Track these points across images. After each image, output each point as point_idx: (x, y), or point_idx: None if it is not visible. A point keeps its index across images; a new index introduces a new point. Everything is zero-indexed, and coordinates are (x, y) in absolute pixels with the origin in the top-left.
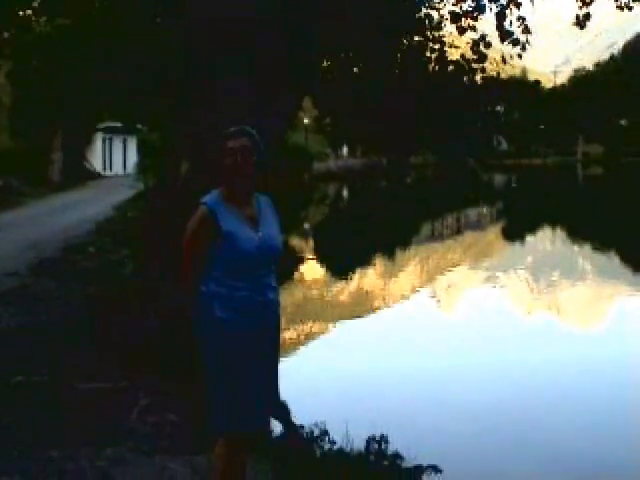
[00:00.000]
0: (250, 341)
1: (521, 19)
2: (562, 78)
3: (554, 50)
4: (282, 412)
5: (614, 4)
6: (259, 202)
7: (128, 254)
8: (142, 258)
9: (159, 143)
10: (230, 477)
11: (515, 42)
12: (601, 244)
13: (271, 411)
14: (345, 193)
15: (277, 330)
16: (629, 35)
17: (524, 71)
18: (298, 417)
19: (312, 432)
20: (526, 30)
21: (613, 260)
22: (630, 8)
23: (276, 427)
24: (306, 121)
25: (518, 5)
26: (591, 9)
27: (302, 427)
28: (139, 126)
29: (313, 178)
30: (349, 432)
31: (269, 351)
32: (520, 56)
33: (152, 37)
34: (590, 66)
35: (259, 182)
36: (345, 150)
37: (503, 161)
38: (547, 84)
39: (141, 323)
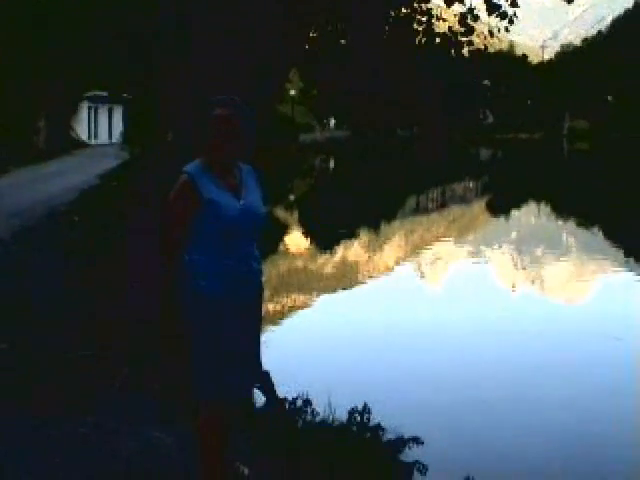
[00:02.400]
0: (233, 310)
1: None
2: (550, 53)
3: (542, 25)
4: (265, 382)
5: None
6: (241, 172)
7: (111, 223)
8: (125, 229)
9: (145, 112)
10: (214, 446)
11: (502, 15)
12: (585, 219)
13: (254, 380)
14: (331, 165)
15: (259, 299)
16: (618, 10)
17: (512, 45)
18: (281, 388)
19: (295, 403)
20: (513, 3)
21: (597, 235)
22: None
23: (259, 397)
24: (292, 92)
25: None
26: None
27: (285, 398)
28: (125, 95)
29: (299, 149)
30: (332, 403)
31: (252, 320)
32: (507, 29)
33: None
34: (578, 41)
35: (245, 152)
36: (332, 122)
37: (489, 135)
38: (535, 59)
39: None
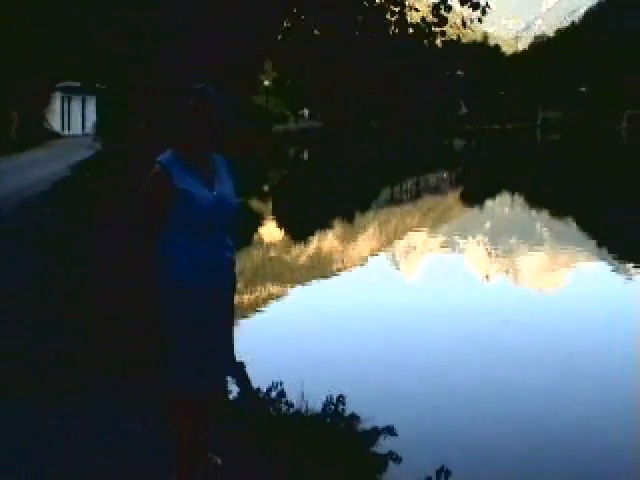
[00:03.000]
0: (207, 300)
1: None
2: (524, 44)
3: (516, 16)
4: (239, 373)
5: None
6: (215, 162)
7: (83, 215)
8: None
9: (118, 102)
10: (189, 437)
11: (475, 6)
12: (558, 210)
13: (227, 369)
14: (305, 155)
15: (233, 289)
16: (591, 2)
17: (485, 36)
18: (256, 378)
19: (270, 393)
20: None
21: (570, 225)
22: None
23: (234, 388)
24: (266, 83)
25: None
26: None
27: (260, 388)
28: (98, 85)
29: (273, 140)
30: (308, 393)
31: (225, 310)
32: (480, 20)
33: None
34: (551, 33)
35: (219, 142)
36: (306, 112)
37: (462, 126)
38: (509, 50)
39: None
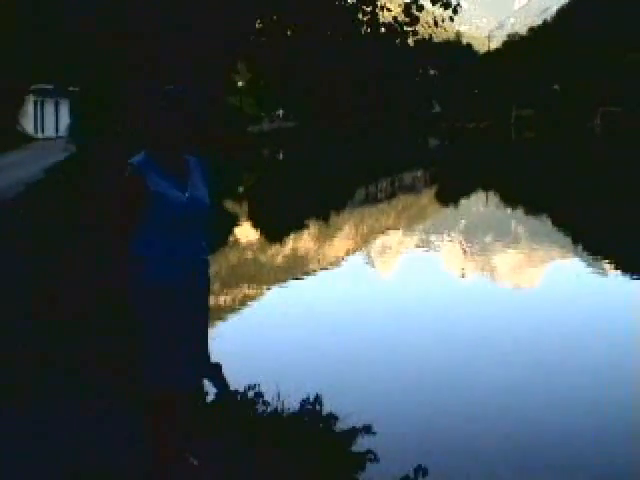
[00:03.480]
0: (181, 301)
1: None
2: (497, 43)
3: (489, 15)
4: (216, 374)
5: None
6: (188, 163)
7: (56, 215)
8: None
9: (92, 104)
10: (165, 438)
11: (446, 5)
12: (533, 207)
13: (203, 369)
14: (280, 156)
15: (207, 290)
16: (563, 0)
17: (458, 35)
18: (232, 380)
19: (247, 394)
20: None
21: (545, 223)
22: None
23: (211, 389)
24: (240, 84)
25: None
26: None
27: (237, 389)
28: (71, 88)
29: (248, 140)
30: (286, 393)
31: (200, 310)
32: (452, 19)
33: None
34: (524, 31)
35: (192, 143)
36: (281, 113)
37: (437, 124)
38: (482, 49)
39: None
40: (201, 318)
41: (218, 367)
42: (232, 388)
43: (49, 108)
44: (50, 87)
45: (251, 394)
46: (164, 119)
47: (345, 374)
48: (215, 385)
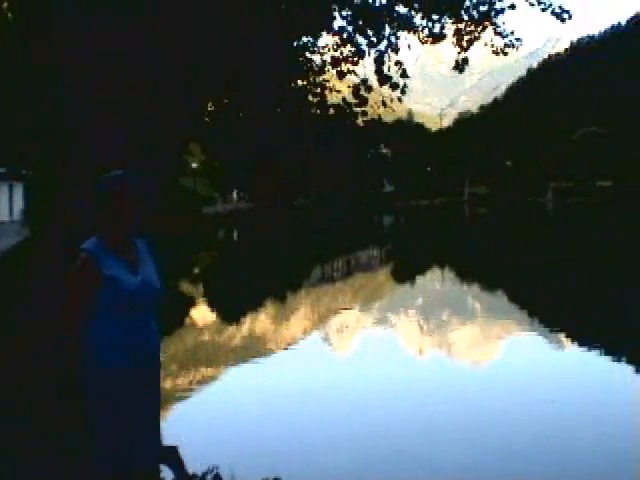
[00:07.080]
0: (133, 384)
1: (399, 63)
2: (448, 120)
3: (440, 93)
4: (174, 457)
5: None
6: (137, 246)
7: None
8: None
9: (43, 188)
10: None
11: (394, 86)
12: (487, 283)
13: (156, 452)
14: (235, 236)
15: (158, 374)
16: (512, 78)
17: (410, 113)
18: (190, 463)
19: (205, 478)
20: (404, 74)
21: (500, 298)
22: (505, 53)
23: (168, 474)
24: (194, 165)
25: (396, 50)
26: (475, 52)
27: (195, 473)
28: (24, 171)
29: (203, 222)
30: (244, 476)
31: (151, 394)
32: (400, 99)
33: (21, 84)
34: (475, 109)
35: (140, 226)
36: (235, 194)
37: (390, 202)
38: (434, 126)
39: None
40: (153, 400)
41: (174, 449)
42: (190, 471)
43: (3, 191)
44: (3, 170)
45: (209, 477)
46: (110, 204)
47: (303, 456)
48: (171, 468)
